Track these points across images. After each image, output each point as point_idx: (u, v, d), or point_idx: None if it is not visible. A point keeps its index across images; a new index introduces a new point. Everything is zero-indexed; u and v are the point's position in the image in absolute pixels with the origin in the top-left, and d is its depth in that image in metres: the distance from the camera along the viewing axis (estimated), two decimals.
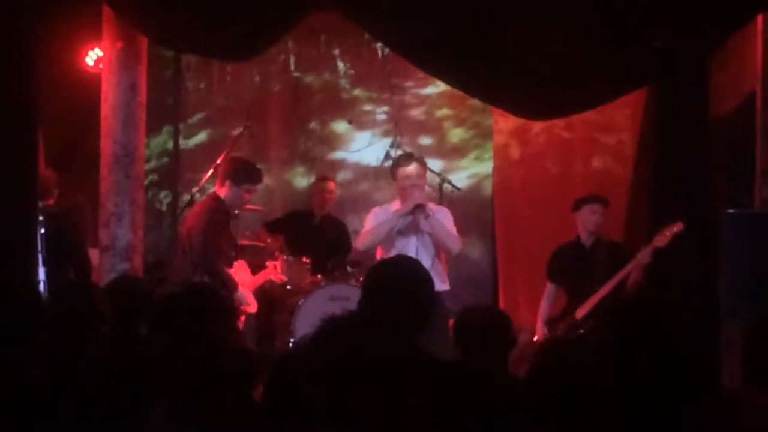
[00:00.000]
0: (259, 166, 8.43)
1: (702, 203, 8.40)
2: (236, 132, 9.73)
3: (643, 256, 7.98)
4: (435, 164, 9.90)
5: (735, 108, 8.48)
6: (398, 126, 10.74)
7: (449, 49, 7.49)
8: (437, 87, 10.77)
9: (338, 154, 11.23)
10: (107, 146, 8.61)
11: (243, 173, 8.00)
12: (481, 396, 3.81)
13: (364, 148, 11.10)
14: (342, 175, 11.06)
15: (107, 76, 8.67)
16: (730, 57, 8.40)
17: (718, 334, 7.42)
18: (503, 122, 10.23)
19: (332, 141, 11.22)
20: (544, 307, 8.63)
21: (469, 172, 10.95)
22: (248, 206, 8.81)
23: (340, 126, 11.18)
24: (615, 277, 8.06)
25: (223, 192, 7.96)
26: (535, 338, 8.56)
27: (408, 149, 10.09)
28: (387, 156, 10.07)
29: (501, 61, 7.46)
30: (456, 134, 11.07)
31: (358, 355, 3.05)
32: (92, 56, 9.54)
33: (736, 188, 8.32)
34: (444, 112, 11.09)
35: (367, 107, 11.23)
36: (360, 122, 11.20)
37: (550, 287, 8.69)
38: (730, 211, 7.12)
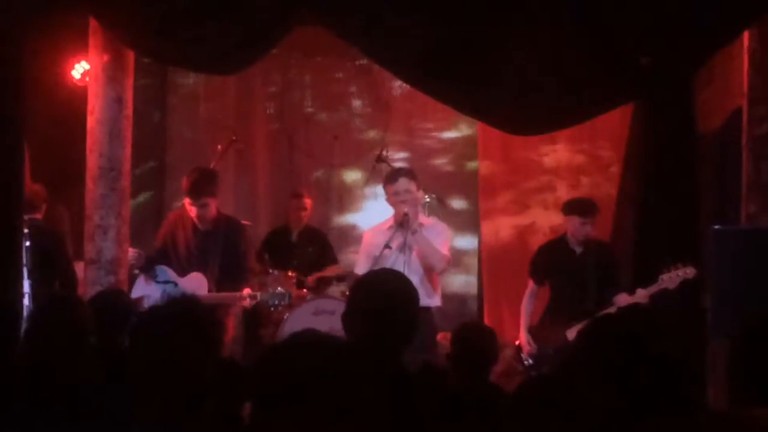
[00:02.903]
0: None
1: (688, 219, 8.41)
2: (222, 145, 9.73)
3: (645, 296, 7.93)
4: None
5: (721, 124, 8.51)
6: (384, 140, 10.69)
7: (433, 64, 7.48)
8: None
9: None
10: (93, 159, 8.58)
11: (185, 186, 8.20)
12: (460, 410, 3.80)
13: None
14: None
15: (94, 89, 8.64)
16: (716, 73, 8.43)
17: (703, 353, 7.42)
18: (489, 138, 10.22)
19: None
20: (525, 310, 8.57)
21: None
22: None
23: (351, 176, 11.07)
24: (611, 302, 8.01)
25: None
26: (517, 342, 8.50)
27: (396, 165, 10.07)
28: (373, 170, 10.04)
29: (486, 76, 7.45)
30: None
31: (341, 369, 3.03)
32: (79, 69, 9.53)
33: (723, 204, 8.33)
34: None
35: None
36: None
37: (532, 288, 8.64)
38: (716, 227, 7.13)
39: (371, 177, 10.24)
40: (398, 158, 10.82)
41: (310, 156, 11.19)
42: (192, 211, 8.15)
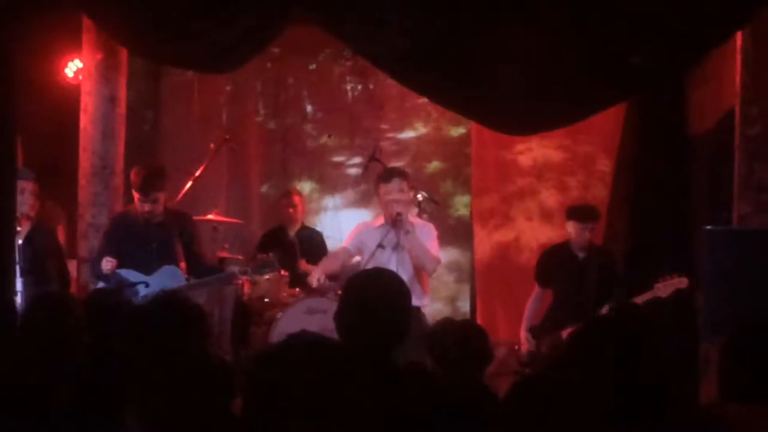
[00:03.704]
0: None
1: (680, 220, 8.42)
2: (215, 144, 9.72)
3: (639, 302, 7.95)
4: None
5: (713, 125, 8.52)
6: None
7: (425, 62, 7.49)
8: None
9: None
10: (86, 158, 8.59)
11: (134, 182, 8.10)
12: (453, 410, 3.80)
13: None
14: None
15: (87, 88, 8.65)
16: (708, 74, 8.44)
17: (696, 353, 7.42)
18: (483, 137, 10.19)
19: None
20: (529, 311, 8.61)
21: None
22: (227, 219, 8.86)
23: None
24: (606, 307, 8.04)
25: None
26: (523, 348, 8.53)
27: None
28: (365, 168, 10.03)
29: (477, 75, 7.45)
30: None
31: (332, 369, 3.04)
32: (72, 67, 9.51)
33: (715, 205, 8.34)
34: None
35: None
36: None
37: (537, 291, 8.68)
38: (709, 227, 7.14)
39: (364, 176, 10.23)
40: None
41: (303, 155, 11.18)
42: (143, 207, 8.04)
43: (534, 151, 9.93)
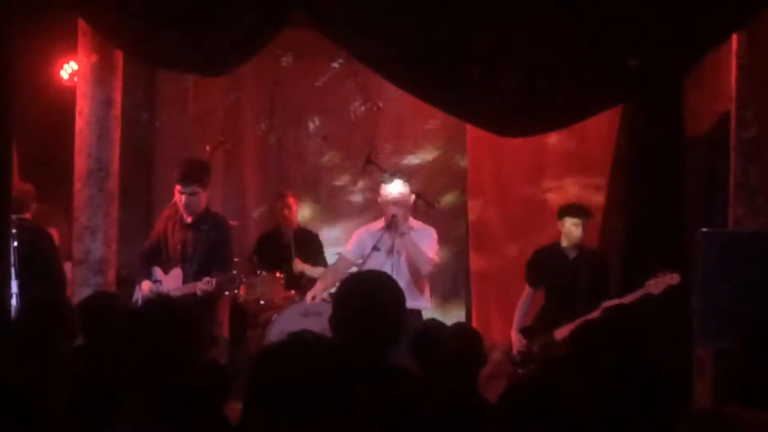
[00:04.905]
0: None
1: (676, 222, 8.41)
2: (210, 146, 9.72)
3: (631, 299, 7.95)
4: None
5: (709, 127, 8.52)
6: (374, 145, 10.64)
7: (423, 64, 7.49)
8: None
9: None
10: (81, 160, 8.57)
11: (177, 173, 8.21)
12: (448, 412, 3.80)
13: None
14: None
15: (82, 90, 8.63)
16: (704, 77, 8.44)
17: (690, 355, 7.42)
18: (478, 138, 10.19)
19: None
20: (519, 312, 8.60)
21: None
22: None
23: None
24: (599, 307, 8.02)
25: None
26: (513, 348, 8.52)
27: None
28: (363, 172, 10.04)
29: (474, 78, 7.45)
30: None
31: (327, 371, 3.03)
32: (67, 70, 9.51)
33: (710, 207, 8.35)
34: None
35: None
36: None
37: (528, 291, 8.67)
38: (704, 230, 7.14)
39: (360, 179, 10.25)
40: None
41: (298, 157, 11.18)
42: (181, 200, 8.10)
43: (531, 155, 9.94)
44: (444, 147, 10.87)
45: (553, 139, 9.55)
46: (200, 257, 8.10)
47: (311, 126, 11.20)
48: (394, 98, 10.50)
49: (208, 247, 8.13)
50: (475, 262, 10.13)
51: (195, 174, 8.13)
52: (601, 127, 9.13)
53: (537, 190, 9.83)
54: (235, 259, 9.46)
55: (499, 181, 9.97)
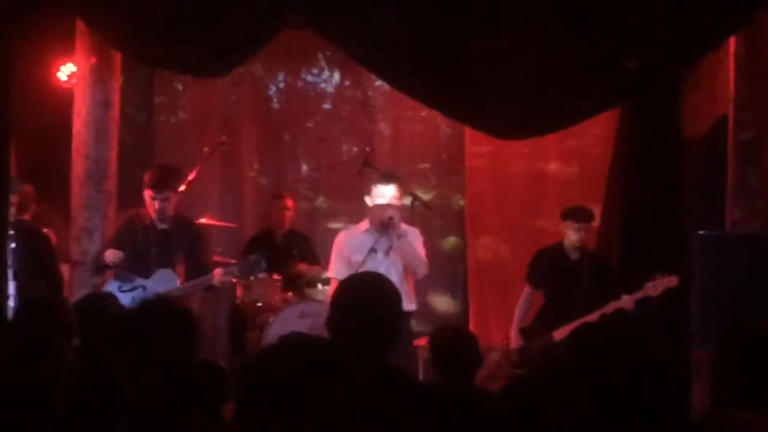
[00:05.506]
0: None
1: (674, 225, 8.42)
2: (209, 147, 9.71)
3: (629, 301, 7.96)
4: None
5: (707, 129, 8.52)
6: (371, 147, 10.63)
7: (421, 66, 7.49)
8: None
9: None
10: (79, 161, 8.57)
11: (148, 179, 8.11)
12: (445, 412, 3.80)
13: None
14: None
15: (80, 91, 8.63)
16: (703, 79, 8.45)
17: (688, 357, 7.42)
18: (477, 143, 10.20)
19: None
20: (519, 311, 8.61)
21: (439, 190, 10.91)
22: (220, 223, 8.86)
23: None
24: (599, 310, 8.02)
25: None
26: (510, 345, 8.53)
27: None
28: (360, 174, 10.02)
29: (473, 80, 7.46)
30: None
31: (323, 372, 3.03)
32: (65, 71, 9.49)
33: (708, 209, 8.35)
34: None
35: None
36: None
37: (527, 291, 8.68)
38: (701, 232, 7.14)
39: (357, 181, 10.23)
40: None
41: (296, 158, 11.18)
42: (153, 205, 8.05)
43: (529, 159, 9.96)
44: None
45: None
46: (185, 260, 8.09)
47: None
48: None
49: (189, 252, 8.13)
50: (474, 259, 10.17)
51: (167, 180, 8.09)
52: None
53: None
54: (232, 261, 9.48)
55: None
